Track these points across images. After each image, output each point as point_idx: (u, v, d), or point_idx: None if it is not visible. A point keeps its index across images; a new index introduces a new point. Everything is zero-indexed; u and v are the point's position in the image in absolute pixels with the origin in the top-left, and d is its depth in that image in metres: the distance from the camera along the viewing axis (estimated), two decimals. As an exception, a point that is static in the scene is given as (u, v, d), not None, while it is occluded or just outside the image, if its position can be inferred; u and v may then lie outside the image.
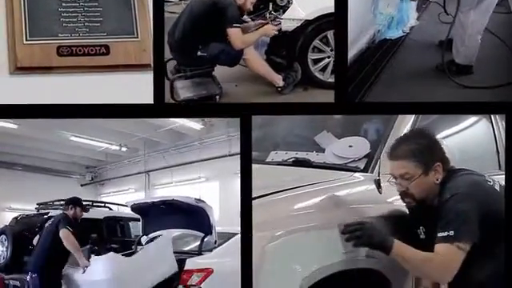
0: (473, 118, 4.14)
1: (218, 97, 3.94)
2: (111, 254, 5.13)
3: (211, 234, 5.47)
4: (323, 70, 4.15)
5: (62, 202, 5.95)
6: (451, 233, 3.08)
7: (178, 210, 5.45)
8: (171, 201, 5.45)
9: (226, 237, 5.60)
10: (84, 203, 5.90)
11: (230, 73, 4.08)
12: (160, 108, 3.65)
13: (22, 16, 3.55)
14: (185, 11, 4.16)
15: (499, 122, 3.99)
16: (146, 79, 3.61)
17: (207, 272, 5.18)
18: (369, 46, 4.21)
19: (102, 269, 5.07)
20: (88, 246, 5.39)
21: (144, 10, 3.64)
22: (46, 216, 5.85)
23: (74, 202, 5.23)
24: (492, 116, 4.05)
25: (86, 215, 5.40)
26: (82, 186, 6.90)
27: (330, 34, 3.96)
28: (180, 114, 4.09)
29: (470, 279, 3.17)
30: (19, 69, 3.53)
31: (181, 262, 5.21)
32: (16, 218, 6.03)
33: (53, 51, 3.55)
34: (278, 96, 4.07)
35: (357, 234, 3.17)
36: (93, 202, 6.40)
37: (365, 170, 3.89)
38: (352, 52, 3.83)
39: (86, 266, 5.04)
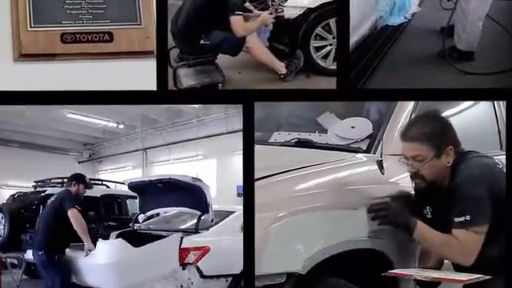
0: (474, 99, 4.19)
1: (220, 85, 3.98)
2: (119, 240, 5.19)
3: (208, 212, 5.51)
4: (325, 57, 4.19)
5: (59, 180, 6.02)
6: (467, 218, 3.22)
7: (175, 188, 5.48)
8: (168, 179, 5.48)
9: (223, 215, 5.67)
10: (68, 176, 5.96)
11: (233, 60, 4.10)
12: (163, 95, 3.71)
13: (27, 3, 3.59)
14: (188, -1, 4.20)
15: (501, 102, 4.04)
16: (149, 66, 3.67)
17: (204, 250, 5.24)
18: (371, 33, 4.24)
19: (107, 254, 5.11)
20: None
21: (147, -2, 3.67)
22: (43, 194, 5.92)
23: (78, 178, 5.28)
24: (494, 96, 4.10)
25: (84, 193, 5.43)
26: (79, 163, 6.94)
27: (333, 22, 3.98)
28: (183, 100, 4.15)
29: (482, 256, 3.29)
30: (23, 56, 3.59)
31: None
32: (13, 195, 6.07)
33: (57, 38, 3.61)
34: (280, 83, 4.10)
35: (382, 213, 3.32)
36: (90, 179, 6.44)
37: (367, 151, 3.98)
38: (354, 38, 3.88)
39: (90, 250, 5.09)
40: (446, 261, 3.54)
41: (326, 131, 4.18)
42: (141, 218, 6.02)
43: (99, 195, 6.03)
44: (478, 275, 3.22)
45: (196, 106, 5.38)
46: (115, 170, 7.07)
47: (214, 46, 4.08)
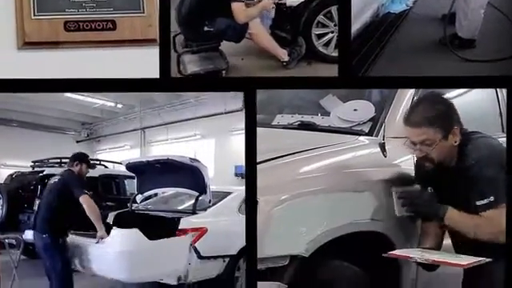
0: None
1: (224, 72, 4.02)
2: (135, 230, 5.19)
3: (206, 193, 5.58)
4: (327, 44, 4.22)
5: (57, 160, 6.07)
6: (491, 199, 3.32)
7: (172, 168, 5.54)
8: (166, 160, 5.55)
9: (221, 196, 5.75)
10: (70, 156, 5.99)
11: (236, 47, 4.14)
12: (166, 82, 3.77)
13: (30, -9, 3.62)
14: (192, -14, 4.23)
15: (503, 87, 4.06)
16: (152, 54, 3.72)
17: (201, 231, 5.32)
18: (372, 20, 4.29)
19: (121, 242, 5.17)
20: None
21: (150, -14, 3.71)
22: (41, 174, 5.97)
23: (80, 158, 5.31)
24: (495, 79, 4.14)
25: (82, 173, 5.46)
26: (77, 142, 6.98)
27: (334, 10, 4.02)
28: (185, 88, 4.20)
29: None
30: (27, 44, 3.65)
31: (175, 221, 5.36)
32: (11, 175, 6.12)
33: (60, 26, 3.67)
34: (282, 70, 4.13)
35: (416, 201, 3.41)
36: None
37: (370, 134, 4.06)
38: (355, 26, 3.93)
39: (103, 238, 5.14)
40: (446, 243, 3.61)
41: (328, 114, 4.24)
42: (139, 198, 6.08)
43: (97, 175, 6.05)
44: (479, 258, 3.27)
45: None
46: (113, 150, 7.12)
47: (217, 33, 4.12)
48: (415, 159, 3.61)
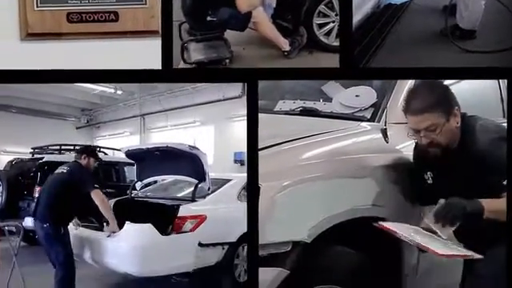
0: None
1: (227, 61, 4.08)
2: (148, 225, 5.27)
3: (205, 180, 5.66)
4: (328, 34, 4.27)
5: (56, 147, 6.12)
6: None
7: (172, 156, 5.63)
8: (165, 147, 5.63)
9: (220, 183, 5.82)
10: (78, 148, 6.06)
11: (238, 36, 4.18)
12: (168, 73, 3.83)
13: (33, -17, 3.66)
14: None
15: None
16: (155, 45, 3.77)
17: (201, 219, 5.39)
18: (374, 11, 4.34)
19: (134, 236, 5.28)
20: None
21: (153, -23, 3.75)
22: (40, 161, 6.03)
23: (88, 151, 5.44)
24: (497, 65, 4.18)
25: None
26: (77, 128, 7.04)
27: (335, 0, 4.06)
28: (187, 79, 4.30)
29: None
30: (30, 35, 3.71)
31: (174, 209, 5.42)
32: (11, 161, 6.18)
33: (63, 18, 3.72)
34: (284, 59, 4.18)
35: (450, 214, 3.31)
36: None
37: (371, 120, 4.13)
38: (357, 17, 3.96)
39: (114, 232, 5.20)
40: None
41: (330, 100, 4.30)
42: (138, 185, 6.15)
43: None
44: (463, 252, 3.31)
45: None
46: (113, 136, 7.18)
47: (220, 22, 4.16)
48: (414, 145, 3.65)
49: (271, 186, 3.50)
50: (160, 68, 3.76)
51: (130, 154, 5.93)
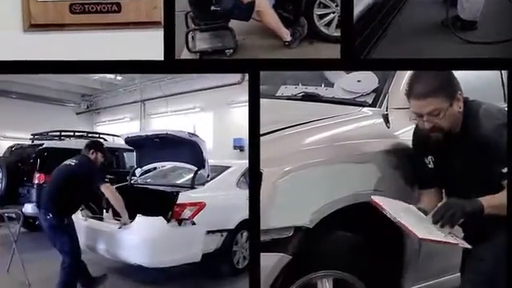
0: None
1: (231, 50, 4.12)
2: (159, 218, 5.38)
3: (204, 167, 5.73)
4: (328, 24, 4.30)
5: (56, 133, 6.17)
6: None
7: (171, 143, 5.74)
8: (165, 134, 5.71)
9: (219, 170, 5.88)
10: (78, 134, 6.11)
11: (239, 26, 4.22)
12: (170, 64, 3.86)
13: (36, -26, 3.70)
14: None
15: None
16: (157, 36, 3.81)
17: (200, 206, 5.46)
18: (375, 2, 4.30)
19: (145, 229, 5.40)
20: None
21: (155, -33, 3.79)
22: (40, 147, 6.07)
23: (96, 146, 5.51)
24: (499, 50, 4.20)
25: (80, 147, 5.59)
26: (77, 114, 7.08)
27: (336, -10, 4.08)
28: (189, 69, 4.31)
29: None
30: (33, 26, 3.76)
31: (174, 195, 5.50)
32: (11, 147, 6.22)
33: (65, 9, 3.77)
34: (285, 50, 4.21)
35: (448, 214, 3.33)
36: (87, 133, 6.60)
37: (373, 105, 4.17)
38: (358, 8, 3.99)
39: (126, 224, 5.27)
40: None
41: (332, 85, 4.35)
42: (138, 172, 6.20)
43: (97, 148, 6.02)
44: (443, 238, 3.32)
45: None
46: (113, 122, 7.22)
47: (224, 12, 4.21)
48: (414, 129, 3.68)
49: (273, 172, 3.54)
50: (162, 59, 3.80)
51: (129, 140, 5.99)
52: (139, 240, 5.39)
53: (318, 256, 3.68)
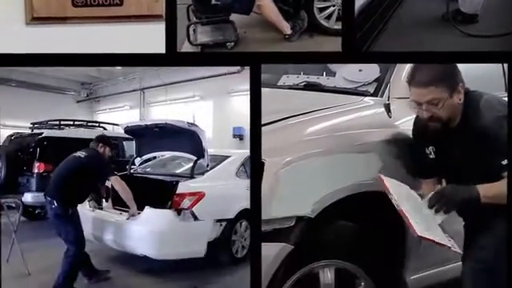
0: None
1: (232, 43, 4.17)
2: (168, 211, 5.46)
3: (203, 157, 5.77)
4: (328, 17, 4.36)
5: (56, 122, 6.21)
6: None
7: (170, 132, 5.79)
8: (164, 124, 5.75)
9: (219, 159, 5.93)
10: (77, 123, 6.16)
11: (239, 20, 4.27)
12: (171, 57, 3.90)
13: (39, -33, 3.75)
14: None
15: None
16: (158, 29, 3.85)
17: (199, 196, 5.51)
18: None
19: (154, 221, 5.48)
20: None
21: (157, -39, 3.84)
22: (40, 136, 6.11)
23: (104, 140, 5.58)
24: (501, 39, 4.23)
25: (80, 136, 5.63)
26: (77, 102, 7.12)
27: (336, -16, 4.12)
28: (191, 62, 4.36)
29: None
30: (35, 19, 3.80)
31: (173, 185, 5.55)
32: (10, 136, 6.26)
33: (68, 2, 3.80)
34: (285, 43, 4.26)
35: (444, 199, 3.40)
36: (87, 121, 6.65)
37: (374, 94, 4.19)
38: (359, 1, 4.03)
39: (134, 215, 5.34)
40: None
41: (334, 74, 4.37)
42: (137, 161, 6.25)
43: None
44: (446, 243, 3.39)
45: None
46: (113, 110, 7.26)
47: (224, 6, 4.25)
48: (414, 119, 3.70)
49: (275, 162, 3.56)
50: (164, 52, 3.83)
51: (129, 130, 6.03)
52: (146, 232, 5.44)
53: (320, 246, 3.70)
